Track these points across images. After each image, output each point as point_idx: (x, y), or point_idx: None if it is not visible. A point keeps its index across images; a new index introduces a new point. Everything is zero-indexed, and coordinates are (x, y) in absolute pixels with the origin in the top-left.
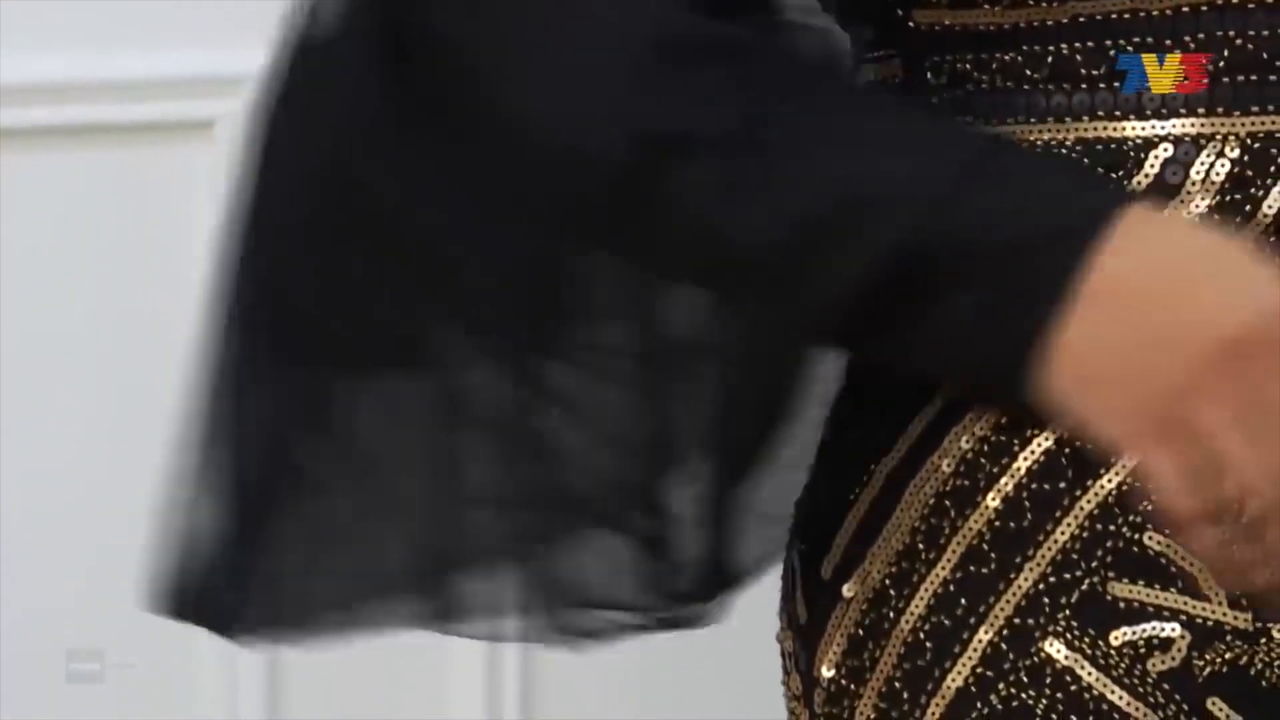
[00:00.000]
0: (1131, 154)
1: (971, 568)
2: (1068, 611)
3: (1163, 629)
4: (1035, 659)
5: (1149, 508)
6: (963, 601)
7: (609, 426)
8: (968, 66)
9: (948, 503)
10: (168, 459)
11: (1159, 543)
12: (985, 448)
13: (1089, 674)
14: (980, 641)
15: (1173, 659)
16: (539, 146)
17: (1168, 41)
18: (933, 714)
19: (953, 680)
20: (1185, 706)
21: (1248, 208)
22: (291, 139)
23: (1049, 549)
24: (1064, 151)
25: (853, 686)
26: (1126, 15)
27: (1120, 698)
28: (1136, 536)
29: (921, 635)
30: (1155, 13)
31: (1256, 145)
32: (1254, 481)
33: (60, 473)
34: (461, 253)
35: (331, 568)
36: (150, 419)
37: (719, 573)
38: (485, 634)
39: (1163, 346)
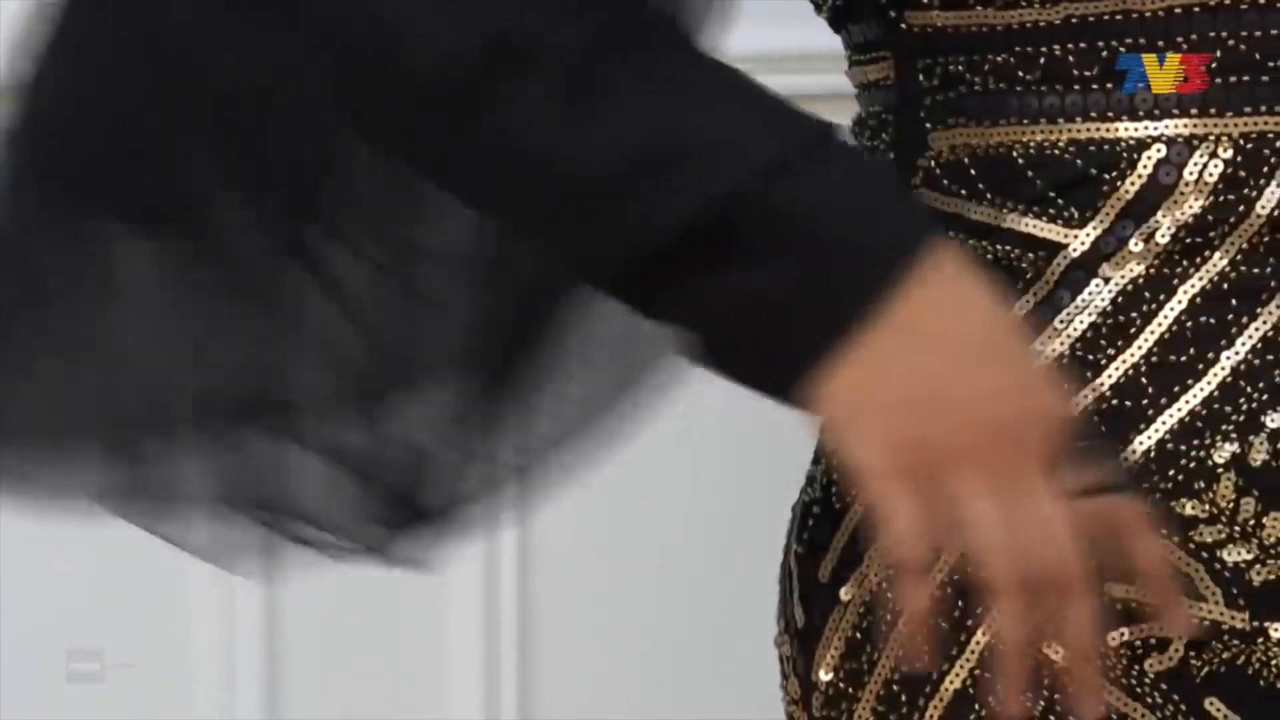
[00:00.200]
0: (1125, 155)
1: (969, 569)
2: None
3: (1160, 629)
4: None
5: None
6: (960, 603)
7: (361, 321)
8: (960, 68)
9: None
10: None
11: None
12: None
13: None
14: (978, 643)
15: (1170, 659)
16: (384, 21)
17: (1160, 42)
18: (931, 716)
19: (950, 682)
20: (1183, 707)
21: (1241, 208)
22: None
23: None
24: (1057, 152)
25: (851, 690)
26: (1119, 16)
27: (1118, 698)
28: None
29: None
30: (1148, 14)
31: (1250, 146)
32: (986, 553)
33: None
34: (254, 119)
35: (31, 395)
36: None
37: (413, 502)
38: (181, 537)
39: (939, 402)
